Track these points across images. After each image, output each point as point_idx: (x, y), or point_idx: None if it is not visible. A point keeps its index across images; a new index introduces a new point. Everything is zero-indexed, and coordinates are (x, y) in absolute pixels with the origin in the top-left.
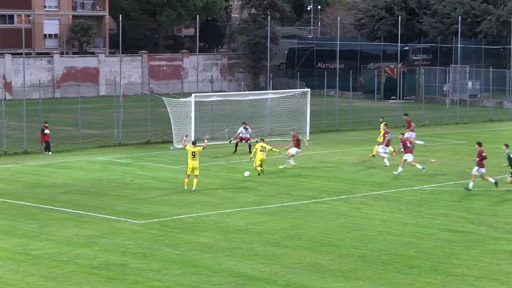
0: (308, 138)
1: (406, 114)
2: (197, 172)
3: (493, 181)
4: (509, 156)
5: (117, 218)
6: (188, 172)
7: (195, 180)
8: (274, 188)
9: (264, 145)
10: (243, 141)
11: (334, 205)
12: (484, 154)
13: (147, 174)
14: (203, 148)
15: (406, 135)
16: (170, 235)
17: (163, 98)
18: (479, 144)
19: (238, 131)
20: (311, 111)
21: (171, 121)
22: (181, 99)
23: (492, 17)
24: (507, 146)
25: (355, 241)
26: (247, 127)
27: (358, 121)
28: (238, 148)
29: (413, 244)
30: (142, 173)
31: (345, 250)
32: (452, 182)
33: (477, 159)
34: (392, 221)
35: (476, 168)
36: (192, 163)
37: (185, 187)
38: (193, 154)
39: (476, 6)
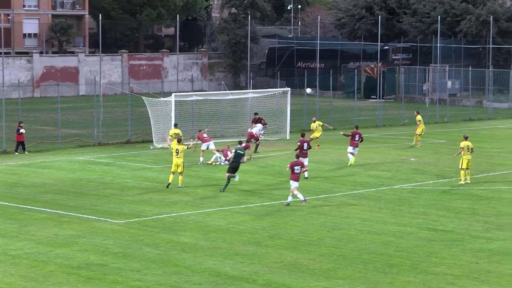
0: (288, 138)
1: (256, 113)
2: (181, 169)
3: None
4: (236, 152)
5: (97, 218)
6: (173, 170)
7: (180, 177)
8: (255, 188)
9: (179, 147)
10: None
11: (314, 204)
12: (299, 144)
13: (127, 174)
14: (187, 148)
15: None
16: (150, 234)
17: (143, 97)
18: (239, 143)
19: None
20: (291, 110)
21: (151, 120)
22: (161, 98)
23: (471, 17)
24: (240, 142)
25: (336, 240)
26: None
27: (338, 121)
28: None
29: (393, 243)
30: (122, 172)
31: (325, 249)
32: (432, 181)
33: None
34: (372, 220)
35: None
36: (176, 160)
37: (169, 181)
38: (177, 151)
39: (456, 6)
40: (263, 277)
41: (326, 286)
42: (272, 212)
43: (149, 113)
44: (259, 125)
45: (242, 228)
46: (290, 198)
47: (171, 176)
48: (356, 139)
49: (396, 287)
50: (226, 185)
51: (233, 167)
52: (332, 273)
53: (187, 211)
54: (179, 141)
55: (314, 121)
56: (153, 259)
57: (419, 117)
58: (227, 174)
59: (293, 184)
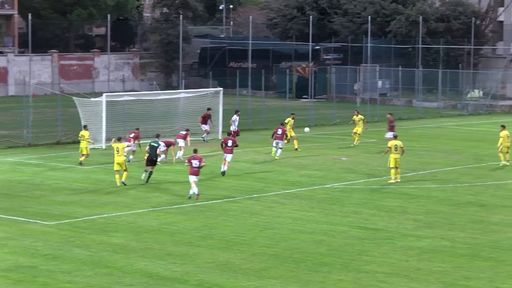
0: (220, 138)
1: (209, 109)
2: (124, 167)
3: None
4: (150, 144)
5: (27, 220)
6: (116, 168)
7: (124, 173)
8: (187, 188)
9: (119, 145)
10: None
11: (246, 204)
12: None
13: (58, 175)
14: (127, 146)
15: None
16: (81, 236)
17: (74, 98)
18: (156, 136)
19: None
20: (223, 110)
21: (82, 121)
22: (92, 99)
23: (401, 17)
24: (157, 136)
25: (268, 239)
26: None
27: (270, 120)
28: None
29: (325, 242)
30: (53, 173)
31: (257, 249)
32: (362, 180)
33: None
34: (304, 220)
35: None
36: (117, 158)
37: (118, 184)
38: (117, 149)
39: (386, 6)
40: (195, 277)
41: (258, 285)
42: (204, 212)
43: (80, 113)
44: (234, 117)
45: (174, 228)
46: (191, 191)
47: (117, 176)
48: (279, 133)
49: (327, 285)
50: (148, 177)
51: (149, 159)
52: (264, 272)
53: (118, 212)
54: (119, 140)
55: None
56: (84, 260)
57: (361, 117)
58: (145, 168)
59: (191, 179)
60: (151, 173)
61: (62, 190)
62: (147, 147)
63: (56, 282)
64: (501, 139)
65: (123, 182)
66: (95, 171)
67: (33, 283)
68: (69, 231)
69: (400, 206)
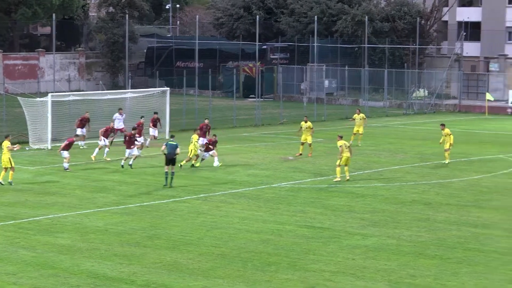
0: (167, 137)
1: (155, 113)
2: (9, 165)
3: None
4: (169, 144)
5: None
6: (4, 166)
7: (11, 173)
8: (134, 188)
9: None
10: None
11: (193, 204)
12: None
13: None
14: (14, 149)
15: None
16: (26, 237)
17: (18, 98)
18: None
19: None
20: (170, 110)
21: (27, 121)
22: (38, 99)
23: (347, 17)
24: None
25: (215, 239)
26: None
27: (218, 120)
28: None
29: (272, 241)
30: None
31: (204, 249)
32: (309, 179)
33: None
34: (251, 219)
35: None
36: (3, 156)
37: (1, 180)
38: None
39: (332, 6)
40: (142, 277)
41: (205, 285)
42: (151, 212)
43: (25, 113)
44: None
45: (120, 229)
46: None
47: (3, 174)
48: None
49: (274, 284)
50: (171, 178)
51: (168, 158)
52: (211, 272)
53: (64, 212)
54: (6, 137)
55: (306, 121)
56: (29, 262)
57: (362, 115)
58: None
59: (64, 154)
60: (173, 173)
61: (7, 191)
62: (164, 146)
63: (1, 284)
64: (449, 138)
65: (9, 182)
66: (40, 171)
67: None
68: (14, 232)
69: (347, 205)
